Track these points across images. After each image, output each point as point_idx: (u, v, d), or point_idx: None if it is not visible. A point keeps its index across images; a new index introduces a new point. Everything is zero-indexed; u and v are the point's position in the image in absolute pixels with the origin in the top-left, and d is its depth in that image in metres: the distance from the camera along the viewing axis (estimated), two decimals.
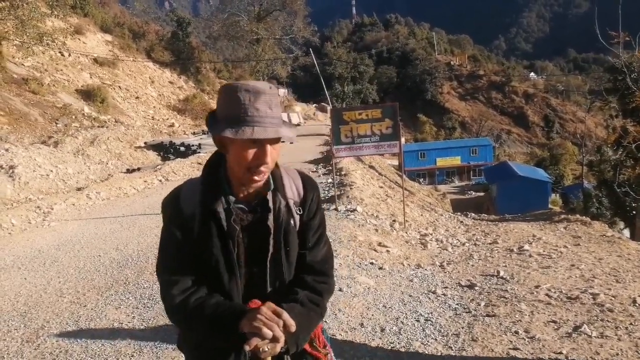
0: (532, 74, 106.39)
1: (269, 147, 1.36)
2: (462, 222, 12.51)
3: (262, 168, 1.37)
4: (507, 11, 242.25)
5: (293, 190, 1.53)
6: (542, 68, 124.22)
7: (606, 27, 15.37)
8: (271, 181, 1.48)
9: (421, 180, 42.93)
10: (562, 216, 13.81)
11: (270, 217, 1.45)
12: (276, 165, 1.50)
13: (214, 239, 1.41)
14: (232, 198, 1.44)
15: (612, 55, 17.36)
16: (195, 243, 1.42)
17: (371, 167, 19.07)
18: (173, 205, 1.47)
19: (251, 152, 1.35)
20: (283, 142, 1.43)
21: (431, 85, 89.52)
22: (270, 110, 1.35)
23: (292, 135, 1.40)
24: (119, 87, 26.34)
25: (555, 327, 3.89)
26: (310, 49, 40.22)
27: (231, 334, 1.33)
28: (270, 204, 1.46)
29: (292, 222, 1.49)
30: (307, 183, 1.58)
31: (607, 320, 3.96)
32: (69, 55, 24.73)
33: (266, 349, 1.30)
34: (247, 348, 1.27)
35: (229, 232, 1.42)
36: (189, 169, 15.29)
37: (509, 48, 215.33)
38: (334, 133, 8.58)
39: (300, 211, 1.52)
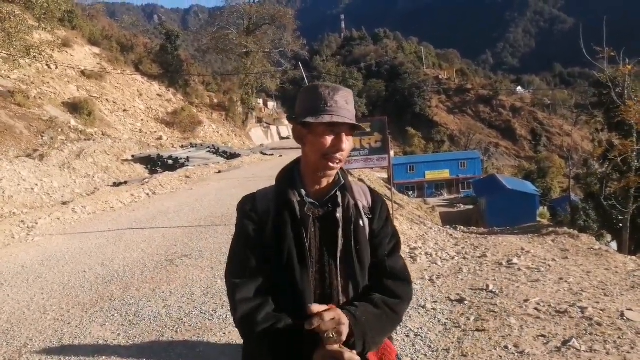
0: (519, 88, 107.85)
1: (344, 136, 1.46)
2: (451, 235, 12.53)
3: (338, 155, 1.45)
4: (494, 26, 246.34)
5: (362, 196, 1.61)
6: (529, 82, 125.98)
7: (591, 42, 15.67)
8: (341, 178, 1.55)
9: (410, 193, 43.06)
10: (550, 229, 13.91)
11: (339, 211, 1.50)
12: (345, 173, 1.60)
13: (288, 229, 1.45)
14: (304, 192, 1.51)
15: (597, 70, 17.67)
16: (269, 238, 1.46)
17: (360, 180, 19.10)
18: (248, 202, 1.55)
19: (328, 139, 1.44)
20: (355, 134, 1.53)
21: (420, 98, 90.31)
22: (346, 104, 1.48)
23: (364, 128, 1.55)
24: (107, 99, 26.19)
25: (545, 341, 3.87)
26: (300, 63, 40.43)
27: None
28: (340, 200, 1.52)
29: (361, 222, 1.53)
30: (375, 194, 1.65)
31: (596, 334, 3.95)
32: (56, 67, 24.61)
33: (331, 335, 1.30)
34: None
35: (303, 220, 1.46)
36: (177, 182, 15.19)
37: (496, 62, 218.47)
38: None
39: (369, 215, 1.57)
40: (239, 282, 1.45)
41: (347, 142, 1.48)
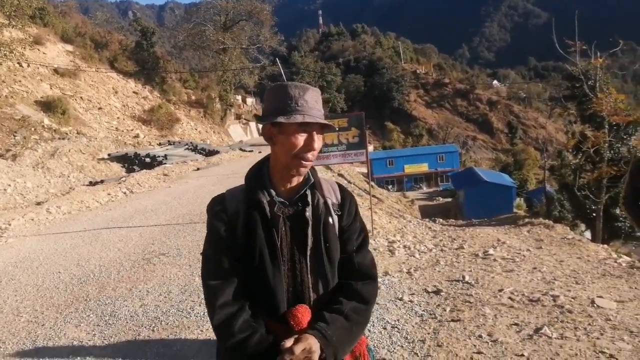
0: (495, 81, 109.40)
1: (315, 135, 1.47)
2: (430, 228, 12.67)
3: (309, 155, 1.47)
4: (470, 21, 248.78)
5: (331, 193, 1.63)
6: (504, 76, 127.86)
7: (565, 36, 15.97)
8: (311, 177, 1.57)
9: (390, 187, 43.33)
10: (526, 220, 14.17)
11: (309, 209, 1.52)
12: (315, 171, 1.61)
13: (259, 229, 1.47)
14: (273, 192, 1.53)
15: (570, 63, 18.02)
16: (240, 238, 1.48)
17: (340, 175, 19.15)
18: (218, 203, 1.56)
19: (300, 139, 1.46)
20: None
21: (398, 93, 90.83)
22: (316, 104, 1.50)
23: (335, 128, 1.55)
24: (81, 97, 25.72)
25: (517, 329, 3.96)
26: (277, 59, 40.26)
27: None
28: (309, 199, 1.54)
29: (330, 219, 1.55)
30: (344, 190, 1.68)
31: (567, 322, 4.05)
32: (28, 66, 24.05)
33: None
34: None
35: (273, 220, 1.49)
36: (154, 181, 15.01)
37: (472, 57, 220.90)
38: None
39: (338, 212, 1.59)
40: (216, 285, 1.47)
41: (318, 141, 1.50)
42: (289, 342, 1.37)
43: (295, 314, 1.47)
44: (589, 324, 4.00)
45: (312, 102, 1.48)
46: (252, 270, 1.47)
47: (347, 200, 1.64)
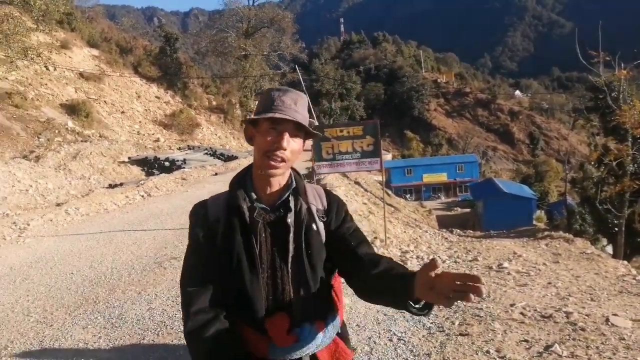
0: (517, 91, 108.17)
1: (286, 134, 1.43)
2: (446, 238, 12.54)
3: (279, 153, 1.43)
4: (493, 30, 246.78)
5: (316, 199, 1.59)
6: (527, 86, 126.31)
7: (591, 46, 15.72)
8: (293, 182, 1.54)
9: (408, 196, 43.07)
10: (546, 233, 13.91)
11: (291, 216, 1.49)
12: (300, 176, 1.59)
13: (237, 235, 1.44)
14: (255, 197, 1.50)
15: (594, 74, 17.71)
16: (219, 245, 1.45)
17: (357, 183, 19.09)
18: (200, 209, 1.54)
19: (270, 137, 1.43)
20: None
21: (418, 102, 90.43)
22: (294, 105, 1.46)
23: (309, 125, 1.49)
24: (105, 101, 26.20)
25: (527, 346, 3.86)
26: (297, 66, 40.49)
27: None
28: (292, 205, 1.50)
29: (314, 226, 1.51)
30: (331, 196, 1.64)
31: (579, 340, 3.94)
32: (55, 69, 24.60)
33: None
34: None
35: (252, 226, 1.46)
36: (172, 184, 15.16)
37: (494, 66, 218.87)
38: (315, 149, 8.58)
39: (324, 218, 1.55)
40: (192, 292, 1.45)
41: (292, 143, 1.46)
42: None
43: (273, 322, 1.44)
44: (602, 343, 3.88)
45: (289, 103, 1.45)
46: (230, 278, 1.45)
47: (333, 205, 1.59)
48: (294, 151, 1.48)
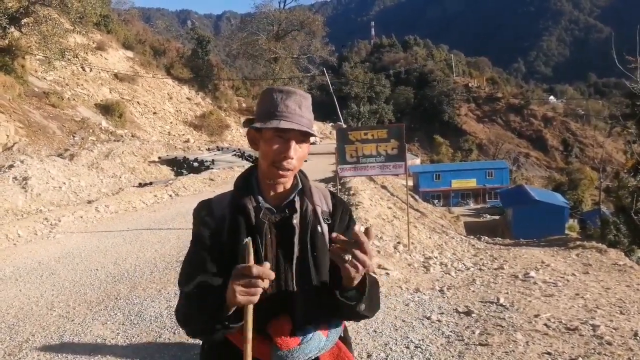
0: (551, 97, 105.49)
1: (293, 143, 1.40)
2: (473, 245, 12.29)
3: (285, 163, 1.40)
4: (527, 35, 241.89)
5: (322, 201, 1.57)
6: (561, 92, 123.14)
7: (629, 52, 15.21)
8: (299, 183, 1.52)
9: (435, 201, 42.49)
10: (578, 242, 13.47)
11: (296, 217, 1.47)
12: (306, 177, 1.56)
13: (242, 235, 1.41)
14: (260, 198, 1.48)
15: (632, 80, 17.12)
16: (225, 244, 1.43)
17: (383, 187, 18.94)
18: (204, 208, 1.52)
19: (276, 146, 1.40)
20: (313, 143, 1.50)
21: (448, 106, 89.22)
22: (299, 109, 1.42)
23: (316, 135, 1.46)
24: (138, 102, 26.82)
25: (550, 359, 3.73)
26: (325, 69, 40.60)
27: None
28: (297, 206, 1.48)
29: (319, 228, 1.50)
30: (336, 198, 1.62)
31: (604, 354, 3.79)
32: (90, 70, 25.32)
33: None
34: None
35: (257, 226, 1.43)
36: (200, 185, 15.37)
37: (528, 71, 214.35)
38: (339, 152, 8.54)
39: (329, 220, 1.53)
40: (190, 294, 1.42)
41: (299, 150, 1.44)
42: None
43: (276, 325, 1.41)
44: (629, 358, 3.72)
45: (293, 108, 1.41)
46: None
47: (338, 208, 1.58)
48: (301, 158, 1.46)
